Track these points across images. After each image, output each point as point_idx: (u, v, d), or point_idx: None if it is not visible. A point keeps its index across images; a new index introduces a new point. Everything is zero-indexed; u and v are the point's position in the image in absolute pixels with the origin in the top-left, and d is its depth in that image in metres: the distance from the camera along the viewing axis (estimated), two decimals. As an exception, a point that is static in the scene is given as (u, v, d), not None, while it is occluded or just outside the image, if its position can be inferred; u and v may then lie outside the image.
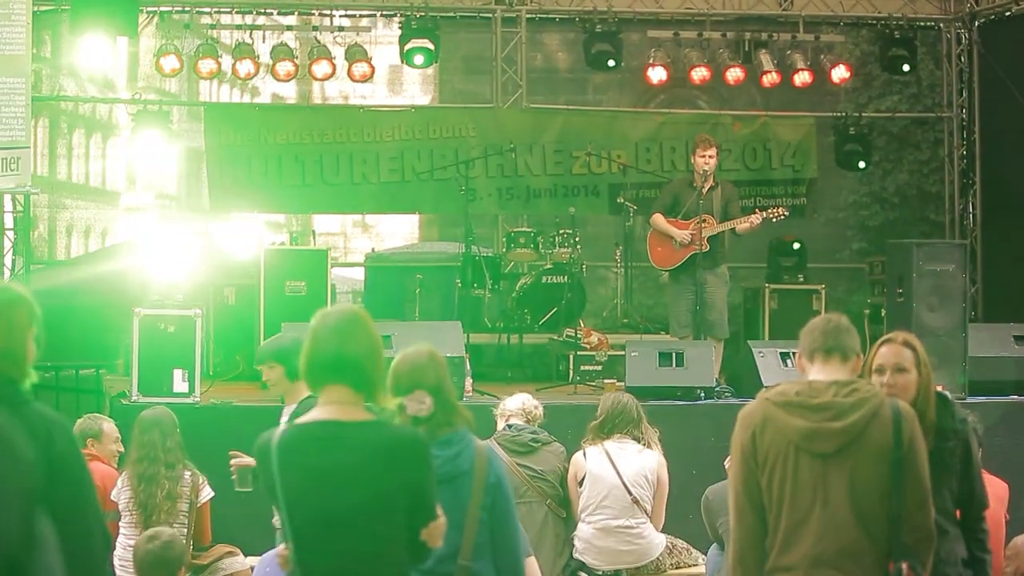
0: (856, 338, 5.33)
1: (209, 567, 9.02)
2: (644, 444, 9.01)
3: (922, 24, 17.03)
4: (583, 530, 9.00)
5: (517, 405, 9.14)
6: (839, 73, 16.38)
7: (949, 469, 5.68)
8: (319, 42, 15.76)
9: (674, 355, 11.60)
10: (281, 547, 4.70)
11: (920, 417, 5.33)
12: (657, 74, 16.22)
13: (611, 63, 16.08)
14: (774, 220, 12.71)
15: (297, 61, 15.63)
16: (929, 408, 5.63)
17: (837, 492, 5.08)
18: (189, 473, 8.76)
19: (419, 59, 15.75)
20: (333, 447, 4.52)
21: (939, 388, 6.02)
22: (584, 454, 8.97)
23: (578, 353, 13.02)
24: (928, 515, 5.12)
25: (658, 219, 12.75)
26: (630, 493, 8.87)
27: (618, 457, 8.92)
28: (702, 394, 11.60)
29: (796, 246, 15.84)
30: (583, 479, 8.94)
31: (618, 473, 8.89)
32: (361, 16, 16.38)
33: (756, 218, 12.56)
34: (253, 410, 10.92)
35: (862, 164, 17.09)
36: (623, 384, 11.33)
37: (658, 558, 9.05)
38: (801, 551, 5.09)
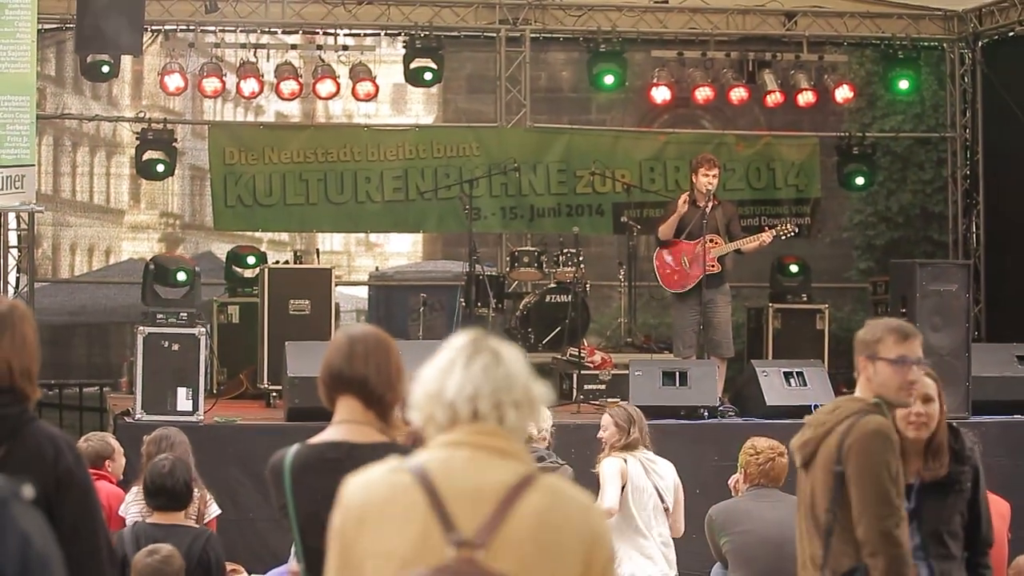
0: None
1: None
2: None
3: (926, 44, 17.03)
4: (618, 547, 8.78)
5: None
6: (843, 93, 16.37)
7: (963, 493, 5.67)
8: (323, 61, 15.79)
9: (677, 374, 11.61)
10: (293, 564, 4.70)
11: (939, 445, 5.47)
12: (661, 94, 16.22)
13: (613, 80, 16.11)
14: (783, 237, 12.72)
15: (301, 80, 15.65)
16: (946, 435, 5.63)
17: (802, 504, 5.29)
18: (196, 491, 8.75)
19: (427, 76, 15.83)
20: (343, 469, 4.50)
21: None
22: (626, 461, 8.74)
23: (582, 372, 13.00)
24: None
25: (664, 229, 12.87)
26: (663, 501, 8.74)
27: (651, 469, 8.82)
28: (705, 413, 11.59)
29: (794, 269, 15.65)
30: (623, 486, 8.72)
31: (655, 485, 8.77)
32: (365, 35, 16.38)
33: (767, 236, 12.59)
34: (257, 429, 10.93)
35: (860, 180, 17.00)
36: (625, 404, 11.26)
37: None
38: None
